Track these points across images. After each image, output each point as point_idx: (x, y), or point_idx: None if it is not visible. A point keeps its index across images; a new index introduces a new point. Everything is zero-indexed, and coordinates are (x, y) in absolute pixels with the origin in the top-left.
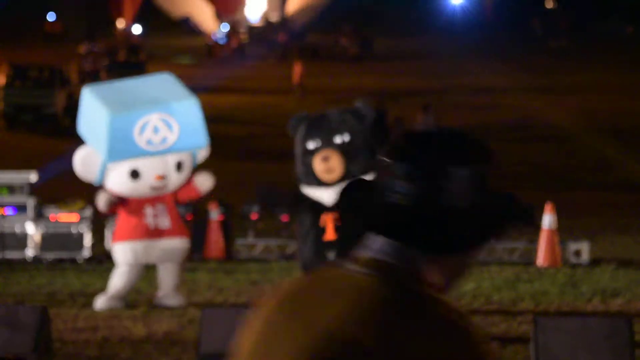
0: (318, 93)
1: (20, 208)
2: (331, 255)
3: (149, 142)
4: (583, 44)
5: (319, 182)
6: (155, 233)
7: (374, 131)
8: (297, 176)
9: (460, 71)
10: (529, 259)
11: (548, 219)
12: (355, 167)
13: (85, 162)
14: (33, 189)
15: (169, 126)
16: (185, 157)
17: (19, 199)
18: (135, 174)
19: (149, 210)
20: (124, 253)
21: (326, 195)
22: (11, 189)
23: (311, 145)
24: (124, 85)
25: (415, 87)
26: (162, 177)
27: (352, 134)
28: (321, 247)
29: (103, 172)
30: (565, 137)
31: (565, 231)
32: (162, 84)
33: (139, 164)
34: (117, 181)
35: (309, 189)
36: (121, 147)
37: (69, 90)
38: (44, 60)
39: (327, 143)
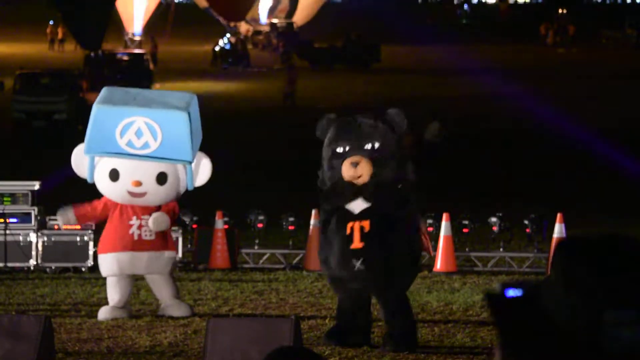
0: (317, 101)
1: (24, 217)
2: (357, 263)
3: (129, 143)
4: (592, 50)
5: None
6: (139, 245)
7: (401, 141)
8: (322, 180)
9: (468, 79)
10: (539, 269)
11: (558, 229)
12: (382, 175)
13: (78, 157)
14: (36, 198)
15: (153, 132)
16: (170, 170)
17: (22, 208)
18: (114, 175)
19: (134, 222)
20: (110, 264)
21: (352, 203)
22: (14, 197)
23: (340, 149)
24: (134, 90)
25: (423, 94)
26: (138, 183)
27: (382, 142)
28: (347, 255)
29: (92, 168)
30: (575, 146)
31: (578, 233)
32: (171, 96)
33: (119, 164)
34: (100, 180)
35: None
36: (99, 140)
37: (80, 96)
38: (49, 65)
39: (357, 148)
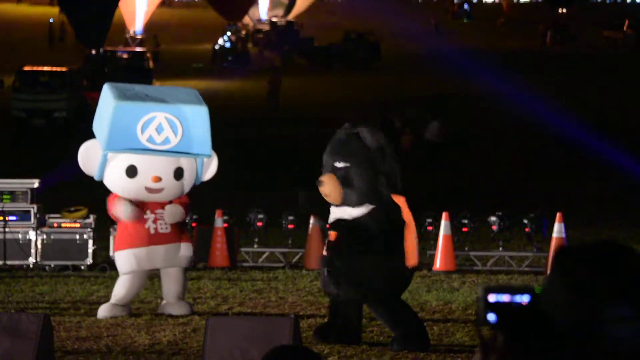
0: (316, 101)
1: (23, 215)
2: (324, 270)
3: (150, 139)
4: (592, 51)
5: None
6: (157, 238)
7: (377, 157)
8: None
9: (468, 77)
10: (538, 268)
11: (558, 228)
12: (351, 195)
13: (87, 154)
14: (36, 196)
15: (174, 128)
16: (186, 165)
17: (21, 205)
18: (131, 172)
19: (149, 215)
20: (127, 260)
21: (331, 214)
22: (14, 195)
23: (323, 167)
24: (138, 86)
25: (423, 94)
26: (158, 179)
27: (351, 159)
28: (321, 261)
29: (103, 166)
30: (574, 145)
31: (575, 240)
32: (179, 92)
33: (137, 160)
34: (114, 177)
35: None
36: (121, 136)
37: (79, 94)
38: (49, 63)
39: (329, 167)
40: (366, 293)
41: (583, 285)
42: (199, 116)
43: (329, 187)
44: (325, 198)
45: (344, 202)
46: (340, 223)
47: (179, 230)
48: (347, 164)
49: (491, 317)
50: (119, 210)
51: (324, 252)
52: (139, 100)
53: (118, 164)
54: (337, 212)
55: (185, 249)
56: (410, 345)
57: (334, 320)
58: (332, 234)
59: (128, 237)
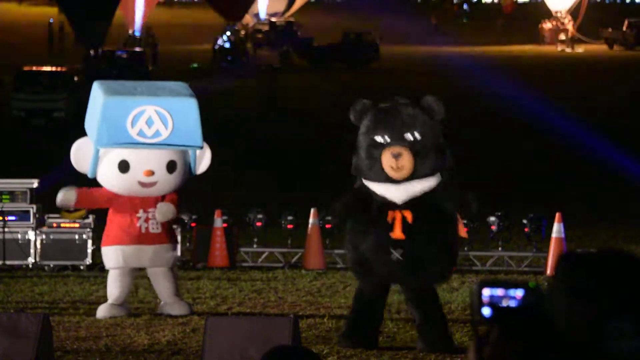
0: (314, 100)
1: (22, 215)
2: (396, 253)
3: (140, 132)
4: (592, 50)
5: (386, 178)
6: (147, 238)
7: (441, 129)
8: (357, 168)
9: (468, 78)
10: (538, 268)
11: (557, 228)
12: (423, 166)
13: (79, 151)
14: (35, 196)
15: (164, 120)
16: (178, 158)
17: (20, 205)
18: (124, 167)
19: (141, 214)
20: (114, 256)
21: (392, 192)
22: (13, 195)
23: (380, 138)
24: (132, 82)
25: (422, 94)
26: (151, 173)
27: (422, 132)
28: (386, 243)
29: (95, 162)
30: (575, 145)
31: (574, 241)
32: (169, 85)
33: (129, 155)
34: (107, 173)
35: (372, 184)
36: (111, 132)
37: (78, 94)
38: (49, 63)
39: (397, 138)
40: (433, 280)
41: (586, 294)
42: (188, 108)
43: (407, 159)
44: (396, 172)
45: (413, 176)
46: (416, 202)
47: (168, 231)
48: (420, 135)
49: (486, 311)
50: (60, 197)
51: (399, 235)
52: (128, 94)
53: (110, 159)
54: (402, 192)
55: (171, 250)
56: (439, 347)
57: (360, 312)
58: (409, 215)
59: (118, 233)
